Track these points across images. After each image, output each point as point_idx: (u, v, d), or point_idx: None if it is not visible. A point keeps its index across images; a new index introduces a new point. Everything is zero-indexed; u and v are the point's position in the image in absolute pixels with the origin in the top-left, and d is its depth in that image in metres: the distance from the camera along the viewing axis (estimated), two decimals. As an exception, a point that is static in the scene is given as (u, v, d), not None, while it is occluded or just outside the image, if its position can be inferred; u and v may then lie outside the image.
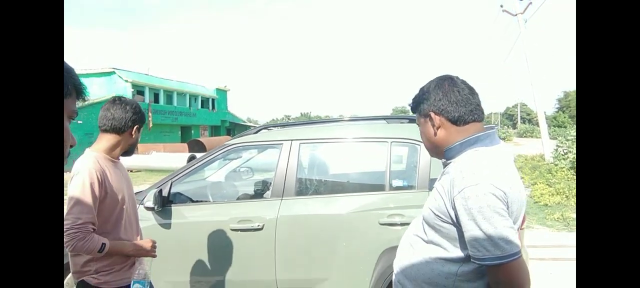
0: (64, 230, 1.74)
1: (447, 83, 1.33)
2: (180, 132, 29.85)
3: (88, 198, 1.80)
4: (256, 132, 3.33)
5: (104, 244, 1.82)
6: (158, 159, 18.41)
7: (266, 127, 3.53)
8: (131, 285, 1.93)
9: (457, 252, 1.24)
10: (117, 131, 1.98)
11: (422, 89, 1.39)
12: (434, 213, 1.27)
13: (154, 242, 2.08)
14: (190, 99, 30.45)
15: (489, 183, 1.14)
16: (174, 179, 3.12)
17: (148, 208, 2.90)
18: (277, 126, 3.52)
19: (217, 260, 2.96)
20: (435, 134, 1.34)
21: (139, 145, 22.90)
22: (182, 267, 2.97)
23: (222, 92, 34.90)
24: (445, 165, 1.35)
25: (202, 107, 32.08)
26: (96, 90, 24.60)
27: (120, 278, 1.95)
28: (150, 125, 25.70)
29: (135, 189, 3.61)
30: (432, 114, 1.32)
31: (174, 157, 18.06)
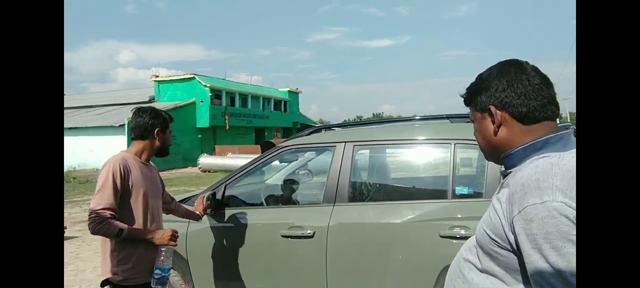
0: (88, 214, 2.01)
1: (513, 69, 1.05)
2: (254, 134, 30.96)
3: (109, 187, 2.01)
4: (309, 134, 3.20)
5: (121, 230, 2.00)
6: (233, 160, 19.19)
7: (320, 128, 3.38)
8: (153, 270, 2.12)
9: (518, 286, 0.98)
10: (140, 137, 2.22)
11: (480, 77, 1.11)
12: (489, 237, 1.01)
13: (174, 232, 2.20)
14: (263, 101, 31.48)
15: (560, 202, 0.86)
16: (228, 182, 3.09)
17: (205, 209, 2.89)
18: (331, 127, 3.36)
19: (267, 267, 2.87)
20: (496, 134, 1.06)
21: (216, 147, 24.19)
22: (231, 272, 2.92)
23: (293, 95, 35.65)
24: (504, 174, 1.08)
25: (274, 109, 33.02)
26: (179, 95, 26.35)
27: (140, 276, 2.12)
28: (227, 127, 26.96)
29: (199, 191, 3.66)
30: (493, 108, 1.05)
31: (248, 159, 18.72)
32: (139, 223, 2.13)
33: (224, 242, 2.96)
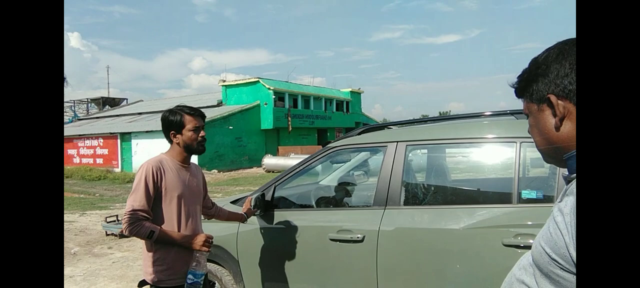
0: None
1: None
2: (316, 135, 31.23)
3: (141, 189, 2.03)
4: (360, 133, 3.06)
5: (152, 232, 2.01)
6: (295, 160, 19.48)
7: (370, 127, 3.22)
8: (186, 275, 2.10)
9: None
10: (168, 141, 2.24)
11: (535, 61, 0.90)
12: (549, 256, 0.82)
13: (208, 237, 2.17)
14: (325, 102, 31.64)
15: None
16: (277, 183, 3.05)
17: (251, 212, 2.87)
18: (386, 125, 3.19)
19: (315, 271, 2.78)
20: (558, 129, 0.86)
21: (280, 148, 24.76)
22: (280, 274, 2.86)
23: (356, 95, 35.46)
24: (568, 180, 0.88)
25: (337, 110, 33.05)
26: (245, 98, 27.30)
27: (175, 278, 2.11)
28: (290, 128, 27.46)
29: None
30: (554, 98, 0.85)
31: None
32: (172, 226, 2.11)
33: (273, 243, 2.92)
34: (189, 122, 2.17)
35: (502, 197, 2.57)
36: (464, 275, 2.32)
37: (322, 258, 2.74)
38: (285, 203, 3.16)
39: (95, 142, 26.98)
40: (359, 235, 2.58)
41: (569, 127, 0.86)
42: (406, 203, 2.64)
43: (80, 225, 8.19)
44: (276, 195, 3.02)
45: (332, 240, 2.67)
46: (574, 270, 0.77)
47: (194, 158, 2.43)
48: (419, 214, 2.59)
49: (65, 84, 1.16)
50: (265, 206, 2.92)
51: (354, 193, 3.52)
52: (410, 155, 2.72)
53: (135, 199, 2.02)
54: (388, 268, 2.51)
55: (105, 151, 26.39)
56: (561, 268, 0.80)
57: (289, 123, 27.37)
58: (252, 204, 2.80)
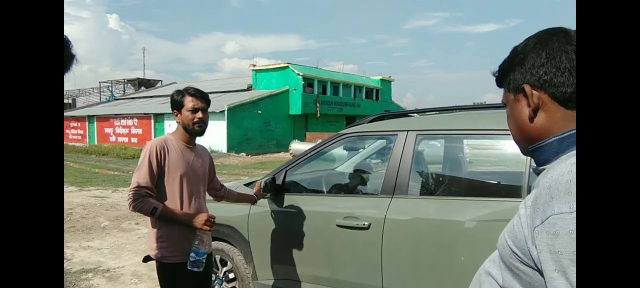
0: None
1: (556, 39, 0.82)
2: (345, 122, 31.13)
3: (145, 167, 2.09)
4: (371, 121, 3.05)
5: (155, 208, 2.06)
6: (321, 147, 19.52)
7: (383, 115, 3.20)
8: (189, 253, 2.14)
9: None
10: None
11: (515, 50, 0.89)
12: (510, 248, 0.82)
13: (210, 217, 2.19)
14: (355, 90, 31.43)
15: None
16: (289, 168, 3.09)
17: (261, 194, 2.93)
18: (397, 114, 3.16)
19: (321, 256, 2.82)
20: (532, 120, 0.85)
21: (307, 134, 24.86)
22: (288, 257, 2.92)
23: (386, 83, 35.03)
24: (537, 172, 0.87)
25: (366, 98, 32.77)
26: (274, 83, 27.49)
27: (176, 255, 2.16)
28: (318, 115, 27.48)
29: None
30: (528, 88, 0.84)
31: (336, 146, 18.87)
32: (174, 205, 2.16)
33: (282, 226, 2.97)
34: (189, 103, 2.21)
35: (510, 190, 2.52)
36: (468, 267, 2.29)
37: (329, 243, 2.78)
38: (297, 187, 3.21)
39: (130, 122, 27.94)
40: (365, 223, 2.59)
41: (543, 119, 0.84)
42: (414, 192, 2.63)
43: (112, 201, 8.57)
44: (288, 179, 3.07)
45: (338, 226, 2.69)
46: (532, 265, 0.77)
47: (203, 141, 2.47)
48: (425, 204, 2.57)
49: (75, 61, 1.14)
50: (275, 189, 2.97)
51: (365, 181, 3.53)
52: (420, 144, 2.70)
53: (140, 176, 2.08)
54: (392, 256, 2.52)
55: (140, 131, 27.30)
56: (521, 262, 0.80)
57: (317, 109, 27.39)
58: (262, 187, 2.85)
